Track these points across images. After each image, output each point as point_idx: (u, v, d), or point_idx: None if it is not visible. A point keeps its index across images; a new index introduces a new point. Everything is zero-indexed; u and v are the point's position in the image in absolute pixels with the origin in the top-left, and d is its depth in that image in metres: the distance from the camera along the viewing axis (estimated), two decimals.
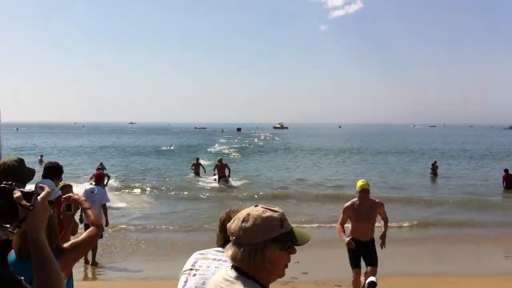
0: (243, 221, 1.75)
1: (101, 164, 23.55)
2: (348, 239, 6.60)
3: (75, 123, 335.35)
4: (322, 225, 13.55)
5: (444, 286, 8.17)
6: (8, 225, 1.38)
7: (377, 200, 6.86)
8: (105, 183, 19.29)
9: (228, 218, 2.51)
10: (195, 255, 2.68)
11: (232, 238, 1.77)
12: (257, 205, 1.83)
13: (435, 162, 27.84)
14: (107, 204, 9.42)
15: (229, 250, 1.79)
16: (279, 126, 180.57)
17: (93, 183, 9.78)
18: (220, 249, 2.69)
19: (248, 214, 1.77)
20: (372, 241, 6.83)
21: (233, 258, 1.76)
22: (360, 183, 6.75)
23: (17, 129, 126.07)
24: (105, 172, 21.34)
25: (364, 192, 6.64)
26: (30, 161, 23.51)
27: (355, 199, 6.80)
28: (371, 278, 6.42)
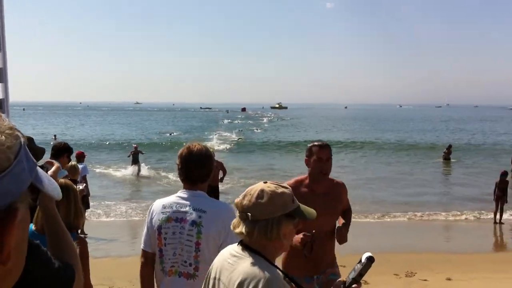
0: (258, 198, 1.77)
1: (136, 147, 21.07)
2: None
3: (80, 103, 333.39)
4: None
5: (444, 263, 8.23)
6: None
7: None
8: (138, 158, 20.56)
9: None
10: (158, 212, 2.62)
11: (245, 214, 1.78)
12: (266, 182, 1.86)
13: (450, 146, 25.64)
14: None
15: (241, 226, 1.79)
16: (277, 106, 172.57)
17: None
18: (181, 196, 2.63)
19: (262, 190, 1.79)
20: None
21: (249, 234, 1.77)
22: None
23: (23, 109, 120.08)
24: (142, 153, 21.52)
25: None
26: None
27: None
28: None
